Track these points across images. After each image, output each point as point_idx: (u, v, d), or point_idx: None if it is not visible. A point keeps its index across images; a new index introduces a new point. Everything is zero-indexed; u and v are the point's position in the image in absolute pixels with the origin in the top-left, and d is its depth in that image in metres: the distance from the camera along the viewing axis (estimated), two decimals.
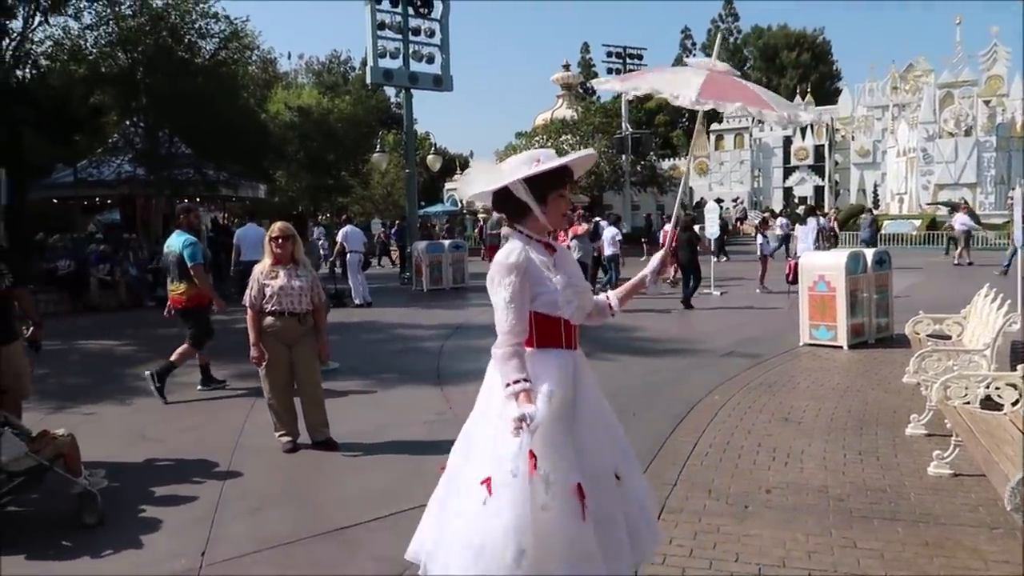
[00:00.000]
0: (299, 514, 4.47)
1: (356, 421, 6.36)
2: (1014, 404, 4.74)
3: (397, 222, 23.01)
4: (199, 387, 7.85)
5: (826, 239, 19.73)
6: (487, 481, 2.50)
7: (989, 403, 4.87)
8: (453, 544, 2.58)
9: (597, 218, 18.66)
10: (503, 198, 2.73)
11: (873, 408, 6.44)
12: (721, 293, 15.66)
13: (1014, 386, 4.79)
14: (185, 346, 7.57)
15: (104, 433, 6.16)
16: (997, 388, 4.85)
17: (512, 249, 2.66)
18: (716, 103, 2.91)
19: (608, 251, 16.05)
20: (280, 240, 5.57)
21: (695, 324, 12.15)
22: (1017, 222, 10.62)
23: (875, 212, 29.27)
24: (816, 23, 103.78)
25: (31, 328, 5.27)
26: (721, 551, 3.78)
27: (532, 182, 2.66)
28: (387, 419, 6.57)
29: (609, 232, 16.31)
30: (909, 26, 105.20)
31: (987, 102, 36.66)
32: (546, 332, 2.72)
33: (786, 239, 21.81)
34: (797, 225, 19.09)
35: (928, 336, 7.28)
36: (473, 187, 2.84)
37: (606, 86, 3.38)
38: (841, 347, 9.18)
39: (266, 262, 5.61)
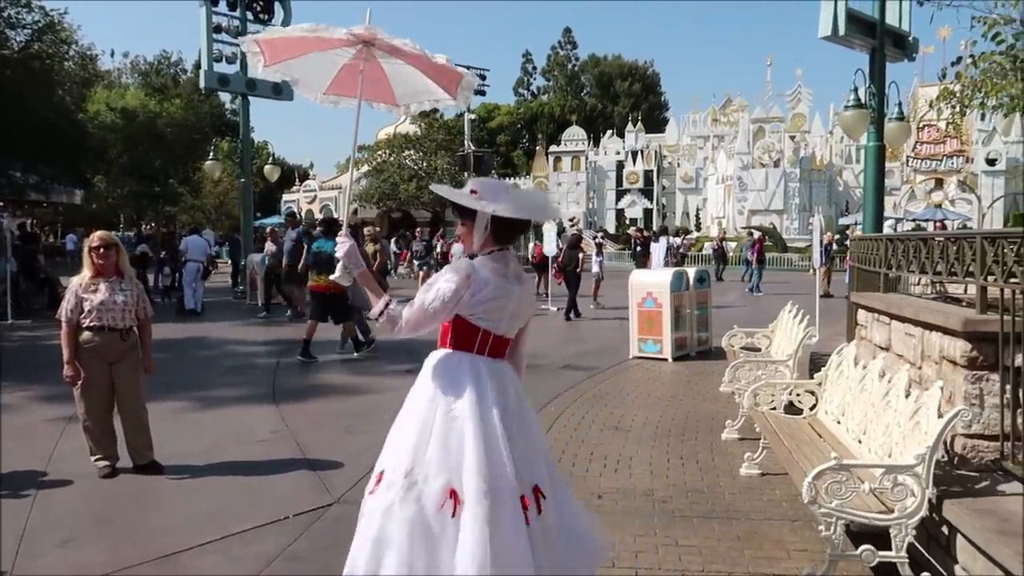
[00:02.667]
0: (118, 543, 4.17)
1: (184, 442, 6.03)
2: (812, 408, 5.31)
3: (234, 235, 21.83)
4: (355, 354, 10.11)
5: (674, 255, 21.22)
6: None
7: (792, 408, 5.41)
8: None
9: None
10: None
11: (694, 416, 6.94)
12: (557, 309, 16.22)
13: (812, 392, 5.36)
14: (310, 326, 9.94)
15: None
16: (798, 394, 5.41)
17: None
18: (336, 99, 3.34)
19: None
20: (102, 250, 5.19)
21: (532, 338, 12.48)
22: (815, 246, 11.85)
23: (757, 235, 30.89)
24: (647, 55, 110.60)
25: None
26: None
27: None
28: (218, 439, 6.27)
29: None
30: (729, 64, 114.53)
31: (792, 137, 40.62)
32: None
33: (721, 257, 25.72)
34: (652, 243, 20.68)
35: (741, 348, 7.96)
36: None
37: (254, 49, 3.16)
38: (666, 359, 9.80)
39: (85, 274, 5.21)
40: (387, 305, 2.73)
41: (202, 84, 23.86)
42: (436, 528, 2.57)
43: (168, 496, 4.93)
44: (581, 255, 15.34)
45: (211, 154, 24.84)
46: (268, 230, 16.31)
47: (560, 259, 16.11)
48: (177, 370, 8.66)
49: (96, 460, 5.27)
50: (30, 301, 14.95)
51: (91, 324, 5.11)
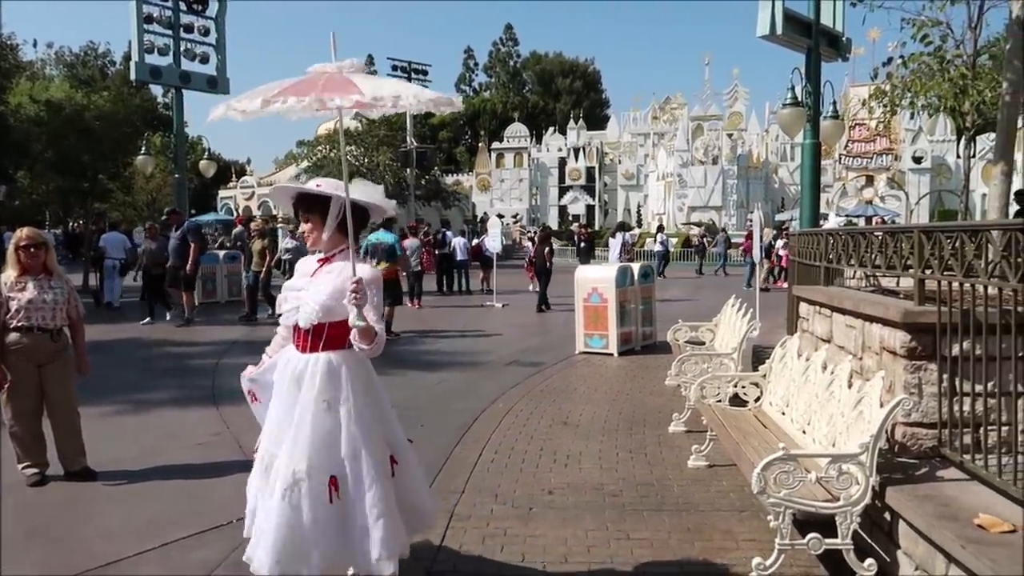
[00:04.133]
0: (50, 555, 3.97)
1: (119, 447, 5.80)
2: (756, 400, 5.40)
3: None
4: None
5: (627, 252, 21.52)
6: None
7: (737, 400, 5.50)
8: None
9: (444, 229, 19.85)
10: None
11: (641, 409, 7.00)
12: (503, 305, 16.22)
13: (756, 384, 5.45)
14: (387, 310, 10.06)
15: None
16: (743, 387, 5.49)
17: None
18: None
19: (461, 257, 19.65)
20: (32, 249, 4.94)
21: (479, 335, 12.46)
22: (755, 241, 12.10)
23: (727, 232, 32.33)
24: (588, 52, 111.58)
25: None
26: (508, 554, 3.90)
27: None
28: (155, 443, 6.05)
29: (460, 240, 19.84)
30: (668, 62, 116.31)
31: (730, 135, 41.45)
32: None
33: (702, 251, 28.38)
34: (609, 239, 21.16)
35: (686, 342, 8.07)
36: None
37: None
38: (612, 354, 9.87)
39: (10, 273, 4.96)
40: (376, 335, 2.92)
41: (133, 76, 23.15)
42: None
43: (102, 504, 4.73)
44: (547, 249, 15.47)
45: (143, 149, 24.03)
46: (147, 225, 14.86)
47: (531, 254, 16.36)
48: (111, 372, 8.33)
49: (24, 468, 5.02)
50: None
51: (19, 324, 4.86)
